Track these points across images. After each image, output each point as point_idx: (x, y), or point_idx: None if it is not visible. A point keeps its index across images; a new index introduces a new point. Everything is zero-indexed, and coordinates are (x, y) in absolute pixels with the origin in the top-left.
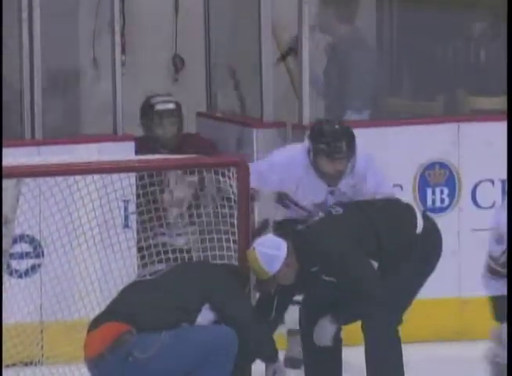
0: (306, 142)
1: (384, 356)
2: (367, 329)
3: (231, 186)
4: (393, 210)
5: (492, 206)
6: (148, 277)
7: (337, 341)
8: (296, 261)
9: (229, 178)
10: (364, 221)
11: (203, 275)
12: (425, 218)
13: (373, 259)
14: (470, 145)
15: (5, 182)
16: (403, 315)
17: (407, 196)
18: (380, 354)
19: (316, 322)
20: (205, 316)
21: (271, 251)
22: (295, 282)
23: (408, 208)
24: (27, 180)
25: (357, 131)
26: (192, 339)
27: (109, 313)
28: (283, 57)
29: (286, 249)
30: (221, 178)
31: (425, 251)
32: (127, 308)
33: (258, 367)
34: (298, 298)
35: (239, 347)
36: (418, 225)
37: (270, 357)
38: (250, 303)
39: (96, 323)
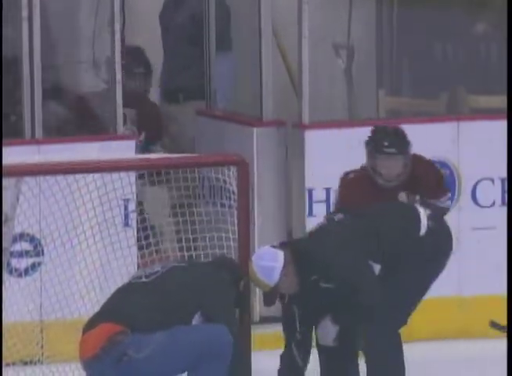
0: None
1: (384, 361)
2: (367, 333)
3: (231, 184)
4: (394, 212)
5: (493, 205)
6: (144, 279)
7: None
8: (294, 269)
9: (229, 177)
10: (366, 225)
11: (198, 280)
12: (432, 219)
13: (377, 263)
14: (470, 143)
15: (5, 181)
16: (408, 317)
17: None
18: (380, 359)
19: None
20: (199, 319)
21: (268, 263)
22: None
23: (410, 210)
24: (27, 179)
25: (357, 131)
26: (187, 340)
27: (104, 314)
28: None
29: (283, 259)
30: (221, 177)
31: (429, 252)
32: (121, 309)
33: (259, 367)
34: None
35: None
36: (422, 227)
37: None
38: (235, 317)
39: (91, 323)
